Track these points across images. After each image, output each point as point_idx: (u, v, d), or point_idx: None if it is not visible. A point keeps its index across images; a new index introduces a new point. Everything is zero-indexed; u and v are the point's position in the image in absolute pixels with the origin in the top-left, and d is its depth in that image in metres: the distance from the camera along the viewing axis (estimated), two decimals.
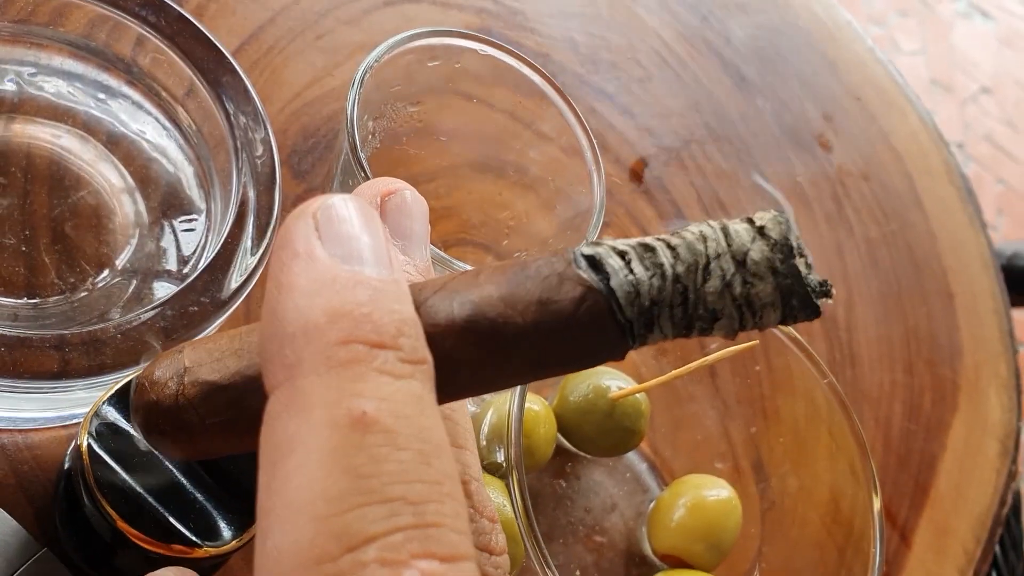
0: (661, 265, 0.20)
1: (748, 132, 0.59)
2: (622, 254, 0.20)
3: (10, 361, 0.33)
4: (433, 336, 0.20)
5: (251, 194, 0.39)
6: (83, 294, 0.38)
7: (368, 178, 0.34)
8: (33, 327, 0.37)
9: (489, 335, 0.20)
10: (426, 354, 0.19)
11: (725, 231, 0.20)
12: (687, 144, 0.57)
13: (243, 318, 0.41)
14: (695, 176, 0.56)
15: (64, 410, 0.37)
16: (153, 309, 0.35)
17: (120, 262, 0.39)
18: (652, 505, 0.46)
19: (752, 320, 0.20)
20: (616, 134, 0.56)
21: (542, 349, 0.20)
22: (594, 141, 0.38)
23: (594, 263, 0.20)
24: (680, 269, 0.20)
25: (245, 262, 0.36)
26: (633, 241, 0.21)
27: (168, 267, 0.39)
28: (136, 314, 0.35)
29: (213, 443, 0.22)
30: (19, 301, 0.37)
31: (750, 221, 0.20)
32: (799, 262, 0.20)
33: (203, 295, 0.36)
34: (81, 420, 0.38)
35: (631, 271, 0.20)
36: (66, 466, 0.35)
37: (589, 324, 0.20)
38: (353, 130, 0.34)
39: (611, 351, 0.20)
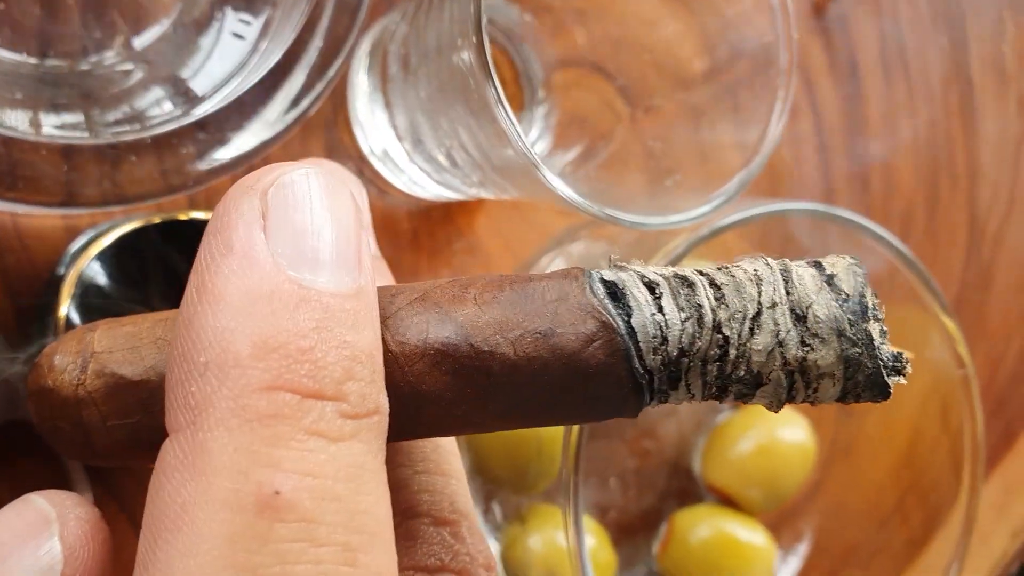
0: (700, 307, 0.16)
1: None
2: (652, 286, 0.16)
3: (8, 173, 0.26)
4: (398, 356, 0.16)
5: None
6: (95, 65, 0.30)
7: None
8: (31, 91, 0.29)
9: (469, 367, 0.16)
10: (380, 401, 0.15)
11: (786, 275, 0.16)
12: None
13: (299, 145, 0.33)
14: (887, 22, 0.45)
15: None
16: (187, 118, 0.28)
17: (147, 37, 0.30)
18: (716, 424, 0.40)
19: (803, 392, 0.16)
20: None
21: (532, 394, 0.16)
22: None
23: (614, 292, 0.16)
24: (723, 315, 0.16)
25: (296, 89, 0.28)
26: (668, 271, 0.17)
27: (187, 74, 0.31)
28: (164, 128, 0.27)
29: (113, 452, 0.18)
30: (21, 58, 0.29)
31: (818, 265, 0.16)
32: (873, 327, 0.16)
33: (254, 112, 0.28)
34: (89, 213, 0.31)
35: (660, 309, 0.16)
36: (60, 273, 0.29)
37: (597, 369, 0.16)
38: None
39: (621, 407, 0.17)
